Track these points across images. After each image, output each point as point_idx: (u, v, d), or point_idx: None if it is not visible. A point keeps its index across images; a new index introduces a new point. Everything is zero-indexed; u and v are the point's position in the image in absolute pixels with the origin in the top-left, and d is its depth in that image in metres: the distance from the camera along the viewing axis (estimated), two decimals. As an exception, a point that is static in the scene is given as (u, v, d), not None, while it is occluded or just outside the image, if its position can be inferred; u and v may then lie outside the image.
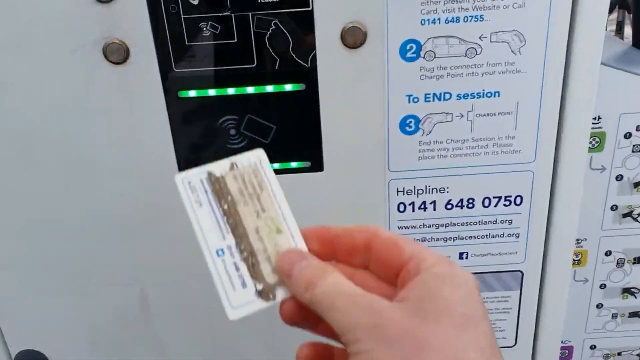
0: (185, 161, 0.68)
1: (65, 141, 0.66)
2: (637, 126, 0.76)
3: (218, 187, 0.43)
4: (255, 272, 0.42)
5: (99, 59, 0.62)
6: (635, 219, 0.80)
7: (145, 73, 0.63)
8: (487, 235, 0.73)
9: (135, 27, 0.61)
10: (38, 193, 0.69)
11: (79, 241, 0.72)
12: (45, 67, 0.62)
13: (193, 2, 0.60)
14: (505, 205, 0.72)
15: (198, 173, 0.43)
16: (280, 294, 0.41)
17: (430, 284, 0.37)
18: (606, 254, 0.82)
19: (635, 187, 0.79)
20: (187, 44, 0.62)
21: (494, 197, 0.71)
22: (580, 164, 0.70)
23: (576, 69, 0.64)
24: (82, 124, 0.65)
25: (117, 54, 0.62)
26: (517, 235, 0.73)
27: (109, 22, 0.61)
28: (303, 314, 0.40)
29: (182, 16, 0.61)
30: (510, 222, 0.73)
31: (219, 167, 0.44)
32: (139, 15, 0.60)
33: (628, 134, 0.76)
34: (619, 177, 0.79)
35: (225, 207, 0.43)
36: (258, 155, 0.45)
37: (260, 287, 0.41)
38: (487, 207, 0.72)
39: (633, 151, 0.77)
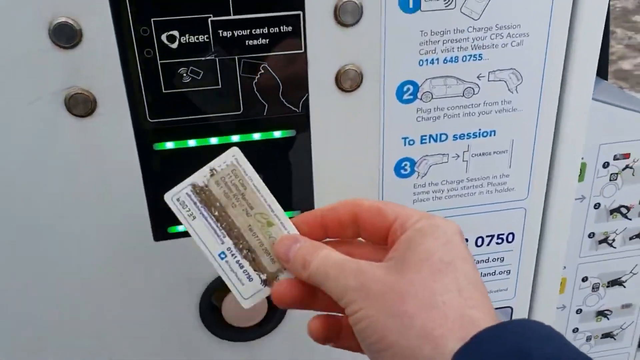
0: (160, 221, 0.60)
1: (21, 205, 0.57)
2: (614, 155, 0.77)
3: (205, 197, 0.47)
4: (257, 265, 0.47)
5: (60, 111, 0.53)
6: (610, 245, 0.82)
7: (115, 126, 0.55)
8: (479, 274, 0.71)
9: (104, 75, 0.53)
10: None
11: (44, 308, 0.62)
12: (-5, 124, 0.53)
13: (171, 46, 0.53)
14: (497, 243, 0.70)
15: (183, 188, 0.47)
16: (283, 278, 0.46)
17: (413, 239, 0.40)
18: (583, 280, 0.83)
19: (610, 214, 0.80)
20: (164, 91, 0.55)
21: (487, 236, 0.69)
22: (570, 198, 0.69)
23: (569, 105, 0.63)
24: (41, 185, 0.56)
25: (82, 105, 0.53)
26: (508, 272, 0.72)
27: (72, 70, 0.52)
28: (299, 293, 0.44)
29: (158, 61, 0.53)
30: (502, 259, 0.71)
31: (200, 176, 0.47)
32: (107, 62, 0.52)
33: (606, 164, 0.77)
34: (597, 206, 0.80)
35: (216, 213, 0.46)
36: (233, 154, 0.47)
37: (264, 276, 0.47)
38: (479, 246, 0.70)
39: (610, 179, 0.78)
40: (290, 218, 0.48)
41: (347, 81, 0.57)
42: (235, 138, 0.59)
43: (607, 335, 0.89)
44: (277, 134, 0.59)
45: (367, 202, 0.45)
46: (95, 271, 0.61)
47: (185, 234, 0.61)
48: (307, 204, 0.63)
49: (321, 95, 0.58)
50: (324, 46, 0.56)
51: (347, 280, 0.39)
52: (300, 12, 0.54)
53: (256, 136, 0.59)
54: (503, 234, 0.69)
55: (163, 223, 0.61)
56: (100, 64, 0.52)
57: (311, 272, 0.42)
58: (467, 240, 0.69)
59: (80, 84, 0.53)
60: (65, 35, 0.50)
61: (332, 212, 0.46)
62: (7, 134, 0.53)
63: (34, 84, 0.52)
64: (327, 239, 0.47)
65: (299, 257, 0.44)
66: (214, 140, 0.58)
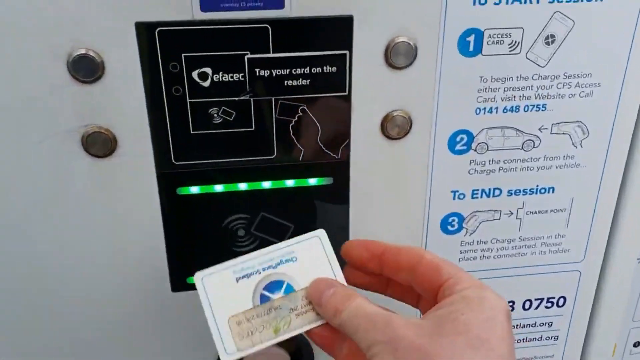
0: (179, 271, 0.55)
1: (32, 250, 0.51)
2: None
3: None
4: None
5: (76, 150, 0.48)
6: (667, 308, 0.74)
7: (136, 168, 0.49)
8: (523, 339, 0.65)
9: (126, 113, 0.47)
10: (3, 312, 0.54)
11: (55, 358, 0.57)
12: (6, 163, 0.48)
13: (203, 84, 0.47)
14: (547, 307, 0.63)
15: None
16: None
17: (456, 305, 0.39)
18: (634, 345, 0.76)
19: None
20: (192, 132, 0.49)
21: (536, 299, 0.63)
22: (631, 263, 0.62)
23: (638, 163, 0.57)
24: (53, 230, 0.51)
25: (100, 145, 0.48)
26: (556, 338, 0.65)
27: (91, 106, 0.47)
28: (330, 336, 0.44)
29: (187, 100, 0.48)
30: (551, 324, 0.64)
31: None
32: (131, 99, 0.47)
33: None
34: (655, 266, 0.73)
35: None
36: None
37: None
38: (527, 309, 0.63)
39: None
40: (352, 240, 0.48)
41: (394, 128, 0.51)
42: (266, 184, 0.53)
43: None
44: (313, 181, 0.54)
45: (429, 257, 0.44)
46: (109, 321, 0.56)
47: (205, 286, 0.56)
48: (341, 257, 0.57)
49: (364, 141, 0.52)
50: (371, 89, 0.50)
51: (377, 334, 0.39)
52: (347, 52, 0.48)
53: (289, 183, 0.53)
54: (554, 298, 0.63)
55: (182, 273, 0.55)
56: (122, 100, 0.47)
57: (342, 321, 0.42)
58: (513, 303, 0.62)
59: (100, 122, 0.47)
60: (85, 69, 0.45)
61: (394, 253, 0.45)
62: (18, 173, 0.48)
63: (48, 121, 0.46)
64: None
65: (331, 304, 0.43)
66: (242, 186, 0.53)
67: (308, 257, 0.46)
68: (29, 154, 0.47)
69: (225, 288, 0.43)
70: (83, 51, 0.45)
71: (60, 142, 0.47)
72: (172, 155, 0.50)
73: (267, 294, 0.44)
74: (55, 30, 0.44)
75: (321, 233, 0.46)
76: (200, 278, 0.43)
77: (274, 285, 0.44)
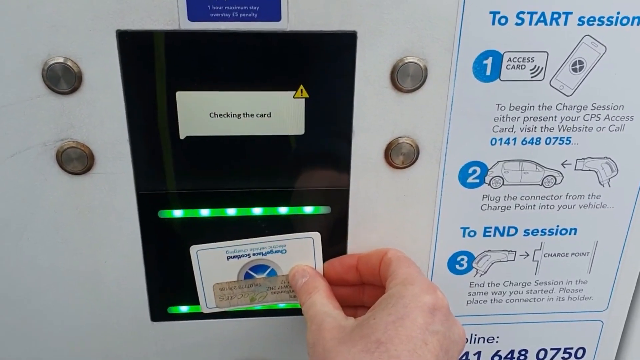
0: (159, 300, 0.51)
1: (8, 274, 0.48)
2: None
3: None
4: None
5: (50, 166, 0.44)
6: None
7: (114, 187, 0.46)
8: (536, 391, 0.59)
9: (105, 127, 0.43)
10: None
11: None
12: (-29, 177, 0.44)
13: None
14: (563, 358, 0.57)
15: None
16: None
17: (377, 306, 0.41)
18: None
19: None
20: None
21: (552, 349, 0.57)
22: (660, 315, 0.56)
23: (673, 206, 0.51)
24: (24, 251, 0.47)
25: (76, 161, 0.44)
26: (573, 392, 0.59)
27: (67, 120, 0.43)
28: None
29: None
30: (567, 377, 0.58)
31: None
32: (111, 112, 0.43)
33: None
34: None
35: None
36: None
37: None
38: (542, 359, 0.57)
39: None
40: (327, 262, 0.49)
41: (399, 156, 0.47)
42: (257, 211, 0.49)
43: None
44: (309, 209, 0.49)
45: (390, 254, 0.47)
46: (84, 351, 0.52)
47: (187, 317, 0.52)
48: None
49: (366, 169, 0.47)
50: (375, 113, 0.45)
51: (310, 335, 0.42)
52: (350, 71, 0.44)
53: (283, 210, 0.49)
54: (572, 349, 0.57)
55: (163, 302, 0.51)
56: (101, 114, 0.43)
57: (303, 311, 0.46)
58: (526, 351, 0.57)
59: (76, 137, 0.44)
60: (62, 79, 0.41)
61: (365, 258, 0.48)
62: (-14, 187, 0.45)
63: (21, 133, 0.43)
64: None
65: (299, 293, 0.47)
66: (231, 212, 0.48)
67: (297, 252, 0.48)
68: (2, 167, 0.44)
69: (215, 262, 0.48)
70: (60, 60, 0.41)
71: (34, 157, 0.44)
72: (155, 175, 0.46)
73: (251, 273, 0.49)
74: (30, 36, 0.40)
75: (315, 235, 0.48)
76: (195, 250, 0.47)
77: (259, 268, 0.49)
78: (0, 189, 0.45)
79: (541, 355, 0.57)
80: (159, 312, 0.51)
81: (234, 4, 0.40)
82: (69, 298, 0.49)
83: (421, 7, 0.42)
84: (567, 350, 0.57)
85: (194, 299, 0.50)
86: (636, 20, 0.44)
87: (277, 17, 0.41)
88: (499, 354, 0.57)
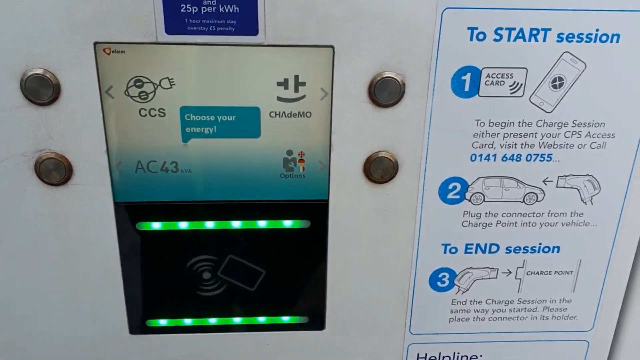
0: (137, 312, 0.50)
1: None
2: None
3: None
4: None
5: (28, 176, 0.44)
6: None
7: (92, 199, 0.46)
8: (522, 413, 0.58)
9: (84, 138, 0.44)
10: None
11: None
12: (-52, 186, 0.44)
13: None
14: (549, 378, 0.56)
15: None
16: None
17: None
18: None
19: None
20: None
21: (537, 369, 0.56)
22: (647, 336, 0.55)
23: (658, 225, 0.50)
24: (6, 260, 0.47)
25: (54, 172, 0.44)
26: (559, 414, 0.58)
27: (46, 130, 0.43)
28: None
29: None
30: (553, 398, 0.57)
31: None
32: (89, 123, 0.43)
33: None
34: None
35: None
36: None
37: None
38: (526, 380, 0.56)
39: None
40: None
41: (378, 171, 0.46)
42: (236, 224, 0.49)
43: None
44: (288, 223, 0.49)
45: None
46: (58, 361, 0.52)
47: (166, 330, 0.51)
48: (317, 310, 0.51)
49: (345, 183, 0.47)
50: (353, 127, 0.45)
51: None
52: (327, 85, 0.44)
53: (261, 224, 0.49)
54: (557, 369, 0.56)
55: (141, 315, 0.50)
56: (79, 125, 0.43)
57: None
58: (511, 371, 0.56)
59: (55, 147, 0.44)
60: (40, 90, 0.42)
61: None
62: (-35, 196, 0.45)
63: (0, 143, 0.43)
64: None
65: None
66: (209, 224, 0.48)
67: None
68: (-21, 178, 0.44)
69: None
70: (38, 71, 0.41)
71: (13, 167, 0.44)
72: (132, 187, 0.46)
73: None
74: (9, 48, 0.41)
75: None
76: None
77: None
78: (-22, 198, 0.45)
79: (526, 375, 0.56)
80: (137, 325, 0.51)
81: (212, 18, 0.41)
82: (46, 310, 0.49)
83: (399, 21, 0.42)
84: (553, 371, 0.56)
85: (173, 312, 0.50)
86: (615, 37, 0.44)
87: (254, 31, 0.41)
88: (482, 373, 0.56)
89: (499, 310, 0.53)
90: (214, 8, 0.40)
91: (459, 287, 0.52)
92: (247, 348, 0.53)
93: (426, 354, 0.54)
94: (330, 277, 0.50)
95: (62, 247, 0.47)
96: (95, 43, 0.41)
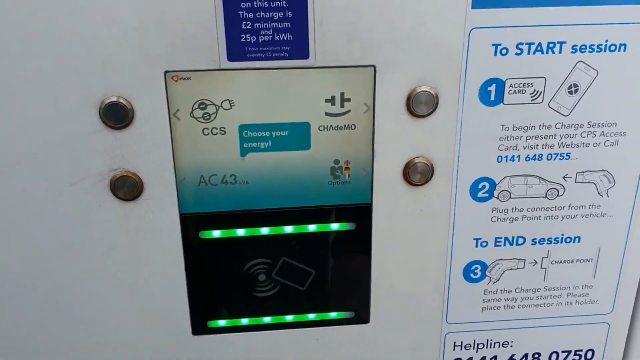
0: (200, 314, 0.55)
1: (56, 291, 0.52)
2: None
3: None
4: None
5: (104, 193, 0.49)
6: None
7: (160, 211, 0.50)
8: (551, 393, 0.63)
9: (154, 157, 0.49)
10: (23, 350, 0.55)
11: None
12: (38, 203, 0.49)
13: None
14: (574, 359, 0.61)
15: None
16: None
17: None
18: (669, 401, 0.73)
19: None
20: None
21: (563, 352, 0.61)
22: (662, 316, 0.60)
23: (667, 213, 0.56)
24: (77, 267, 0.52)
25: (127, 188, 0.49)
26: (585, 392, 0.63)
27: (120, 151, 0.48)
28: None
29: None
30: (579, 378, 0.62)
31: None
32: (159, 144, 0.48)
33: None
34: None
35: None
36: None
37: None
38: (554, 362, 0.61)
39: None
40: None
41: (416, 174, 0.52)
42: (288, 229, 0.53)
43: None
44: (335, 226, 0.54)
45: None
46: (127, 362, 0.56)
47: (225, 330, 0.56)
48: (362, 306, 0.56)
49: (386, 187, 0.52)
50: (393, 136, 0.50)
51: None
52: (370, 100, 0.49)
53: (311, 228, 0.54)
54: (581, 351, 0.61)
55: (203, 316, 0.55)
56: (150, 145, 0.48)
57: None
58: (539, 354, 0.61)
59: (128, 166, 0.49)
60: (116, 115, 0.47)
61: None
62: (47, 214, 0.49)
63: (79, 164, 0.48)
64: None
65: None
66: (264, 230, 0.53)
67: None
68: (60, 196, 0.49)
69: None
70: (114, 99, 0.46)
71: (90, 185, 0.49)
72: (195, 199, 0.51)
73: None
74: (88, 78, 0.46)
75: None
76: None
77: None
78: (59, 214, 0.50)
79: (553, 357, 0.61)
80: (199, 326, 0.55)
81: (268, 45, 0.46)
82: (116, 313, 0.54)
83: (431, 42, 0.47)
84: (577, 353, 0.61)
85: (231, 313, 0.55)
86: (622, 47, 0.49)
87: (305, 56, 0.47)
88: (513, 357, 0.61)
89: (527, 298, 0.58)
90: (270, 37, 0.46)
91: (490, 277, 0.57)
92: (298, 343, 0.58)
93: (462, 342, 0.59)
94: (374, 274, 0.55)
95: (132, 257, 0.52)
96: (166, 72, 0.46)
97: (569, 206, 0.54)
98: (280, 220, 0.53)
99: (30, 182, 0.48)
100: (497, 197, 0.53)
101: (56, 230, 0.50)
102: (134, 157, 0.49)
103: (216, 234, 0.53)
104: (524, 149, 0.52)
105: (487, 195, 0.53)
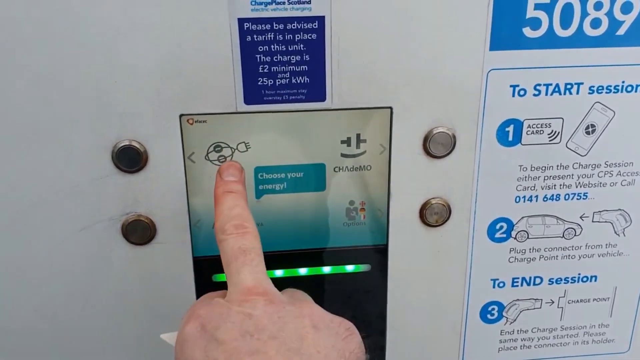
0: None
1: (64, 339, 0.51)
2: None
3: None
4: None
5: (115, 237, 0.48)
6: None
7: (173, 255, 0.49)
8: None
9: (167, 200, 0.48)
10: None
11: None
12: (47, 249, 0.48)
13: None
14: (591, 399, 0.60)
15: None
16: None
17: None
18: None
19: None
20: (230, 220, 0.49)
21: (580, 391, 0.60)
22: (679, 354, 0.60)
23: (684, 251, 0.55)
24: (89, 314, 0.50)
25: (140, 232, 0.48)
26: None
27: (133, 195, 0.47)
28: None
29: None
30: (596, 417, 0.61)
31: None
32: (172, 187, 0.47)
33: None
34: None
35: None
36: None
37: None
38: (570, 401, 0.60)
39: None
40: None
41: (433, 215, 0.51)
42: (302, 271, 0.52)
43: None
44: (350, 268, 0.53)
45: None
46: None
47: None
48: (378, 347, 0.55)
49: (403, 228, 0.51)
50: (410, 177, 0.50)
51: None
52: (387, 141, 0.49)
53: (326, 269, 0.53)
54: (598, 390, 0.60)
55: None
56: (163, 189, 0.47)
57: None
58: (556, 394, 0.60)
59: (140, 210, 0.48)
60: (129, 159, 0.46)
61: None
62: (59, 259, 0.48)
63: (91, 209, 0.47)
64: None
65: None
66: (278, 272, 0.52)
67: None
68: (71, 240, 0.48)
69: None
70: (127, 142, 0.45)
71: (102, 230, 0.48)
72: (209, 242, 0.50)
73: None
74: (102, 122, 0.45)
75: None
76: (166, 337, 0.43)
77: None
78: (67, 260, 0.48)
79: (570, 397, 0.60)
80: (211, 370, 0.54)
81: (285, 88, 0.45)
82: (128, 359, 0.53)
83: (449, 83, 0.47)
84: (594, 391, 0.60)
85: None
86: (639, 87, 0.49)
87: (322, 98, 0.46)
88: (530, 397, 0.60)
89: (543, 338, 0.57)
90: (287, 80, 0.45)
91: (507, 318, 0.56)
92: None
93: (478, 383, 0.58)
94: (390, 315, 0.54)
95: (144, 302, 0.51)
96: (181, 115, 0.45)
97: (586, 245, 0.54)
98: (294, 263, 0.52)
99: (40, 228, 0.47)
100: (515, 238, 0.53)
101: (65, 277, 0.49)
102: (147, 201, 0.48)
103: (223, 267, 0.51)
104: (542, 189, 0.51)
105: (504, 235, 0.53)
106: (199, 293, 0.51)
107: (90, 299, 0.50)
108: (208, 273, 0.51)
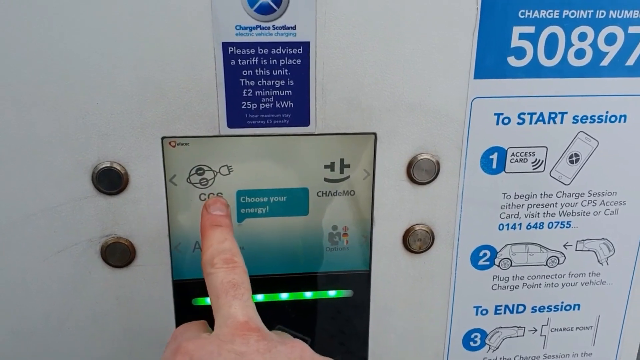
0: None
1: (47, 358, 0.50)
2: None
3: None
4: None
5: (94, 260, 0.47)
6: None
7: (153, 278, 0.49)
8: None
9: (148, 223, 0.47)
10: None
11: None
12: (24, 270, 0.47)
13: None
14: None
15: None
16: None
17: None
18: None
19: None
20: (211, 243, 0.49)
21: (563, 420, 0.60)
22: (662, 384, 0.60)
23: (667, 281, 0.55)
24: (67, 338, 0.49)
25: (119, 255, 0.47)
26: None
27: (113, 217, 0.47)
28: None
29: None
30: None
31: None
32: (153, 210, 0.47)
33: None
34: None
35: None
36: None
37: None
38: None
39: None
40: None
41: (416, 242, 0.51)
42: (284, 296, 0.52)
43: None
44: (332, 293, 0.52)
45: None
46: None
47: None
48: None
49: (386, 254, 0.51)
50: (393, 203, 0.49)
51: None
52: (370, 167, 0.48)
53: (308, 294, 0.52)
54: (581, 419, 0.60)
55: (194, 385, 0.53)
56: (144, 211, 0.47)
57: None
58: (539, 423, 0.59)
59: (120, 232, 0.47)
60: (109, 181, 0.45)
61: None
62: (36, 281, 0.47)
63: (70, 231, 0.46)
64: None
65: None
66: (259, 297, 0.52)
67: None
68: (50, 262, 0.47)
69: None
70: (108, 164, 0.45)
71: (80, 252, 0.47)
72: (190, 266, 0.49)
73: None
74: (82, 144, 0.44)
75: None
76: None
77: None
78: (45, 281, 0.47)
79: None
80: (189, 395, 0.53)
81: (269, 112, 0.45)
82: (104, 384, 0.52)
83: (433, 111, 0.47)
84: (577, 421, 0.60)
85: (223, 382, 0.53)
86: (623, 118, 0.49)
87: (306, 123, 0.46)
88: None
89: (526, 366, 0.57)
90: (271, 104, 0.45)
91: (490, 345, 0.55)
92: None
93: (460, 411, 0.57)
94: (372, 341, 0.54)
95: (122, 325, 0.50)
96: (163, 138, 0.45)
97: (569, 274, 0.54)
98: (275, 287, 0.51)
99: (18, 248, 0.46)
100: (498, 265, 0.53)
101: (43, 298, 0.48)
102: (127, 223, 0.47)
103: (209, 300, 0.51)
104: (526, 217, 0.51)
105: (488, 263, 0.52)
106: (179, 316, 0.50)
107: (67, 320, 0.49)
108: (188, 297, 0.50)
